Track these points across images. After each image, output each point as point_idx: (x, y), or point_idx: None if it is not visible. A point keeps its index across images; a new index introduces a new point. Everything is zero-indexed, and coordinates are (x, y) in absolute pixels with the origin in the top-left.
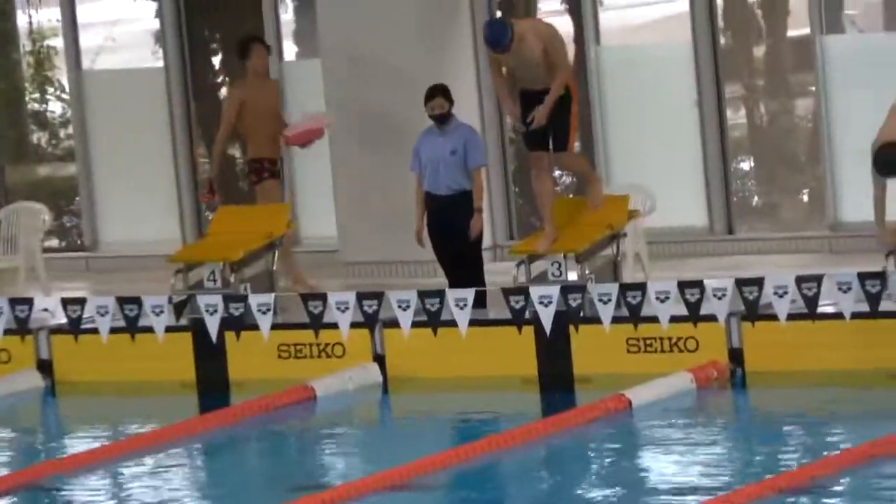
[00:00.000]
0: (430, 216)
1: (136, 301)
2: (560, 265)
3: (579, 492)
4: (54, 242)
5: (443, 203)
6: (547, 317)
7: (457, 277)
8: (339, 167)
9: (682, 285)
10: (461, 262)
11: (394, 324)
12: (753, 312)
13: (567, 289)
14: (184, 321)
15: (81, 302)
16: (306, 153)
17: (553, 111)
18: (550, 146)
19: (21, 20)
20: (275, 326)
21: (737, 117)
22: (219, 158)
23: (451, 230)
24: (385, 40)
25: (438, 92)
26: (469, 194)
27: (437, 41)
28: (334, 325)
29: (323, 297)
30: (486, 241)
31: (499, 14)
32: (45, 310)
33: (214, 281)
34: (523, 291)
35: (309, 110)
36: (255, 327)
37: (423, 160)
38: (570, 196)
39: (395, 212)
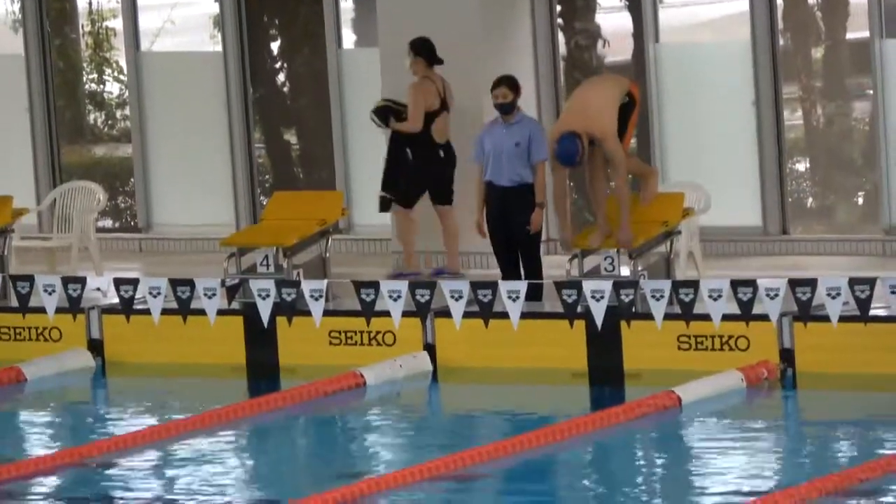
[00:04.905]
0: (489, 207)
1: (189, 283)
2: (613, 260)
3: (625, 487)
4: (108, 223)
5: (503, 194)
6: (599, 311)
7: (512, 269)
8: None
9: (735, 284)
10: (518, 254)
11: (445, 313)
12: (806, 313)
13: (620, 284)
14: (235, 305)
15: (134, 282)
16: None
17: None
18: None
19: (80, 0)
20: (326, 313)
21: (793, 118)
22: None
23: (509, 222)
24: (443, 29)
25: (504, 81)
26: (530, 187)
27: (496, 31)
28: (386, 313)
29: (375, 285)
30: (541, 235)
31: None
32: (98, 289)
33: (267, 266)
34: (576, 285)
35: None
36: (307, 313)
37: (487, 151)
38: None
39: None
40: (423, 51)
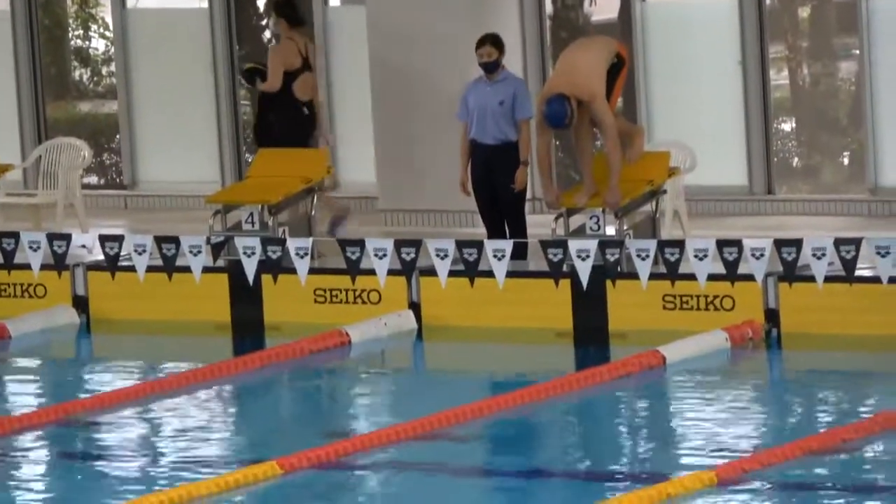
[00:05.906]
0: (473, 165)
1: (174, 241)
2: (599, 219)
3: (609, 446)
4: (93, 179)
5: (488, 153)
6: (584, 271)
7: (497, 228)
8: (380, 114)
9: (721, 244)
10: (502, 212)
11: (431, 272)
12: (791, 273)
13: (605, 243)
14: (221, 262)
15: (119, 239)
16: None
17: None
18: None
19: None
20: (312, 271)
21: (779, 78)
22: None
23: (494, 180)
24: None
25: (488, 40)
26: (514, 145)
27: None
28: (371, 272)
29: (361, 244)
30: (526, 194)
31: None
32: (83, 246)
33: (252, 223)
34: (561, 244)
35: None
36: (293, 271)
37: (471, 108)
38: None
39: (434, 160)
40: (285, 11)
